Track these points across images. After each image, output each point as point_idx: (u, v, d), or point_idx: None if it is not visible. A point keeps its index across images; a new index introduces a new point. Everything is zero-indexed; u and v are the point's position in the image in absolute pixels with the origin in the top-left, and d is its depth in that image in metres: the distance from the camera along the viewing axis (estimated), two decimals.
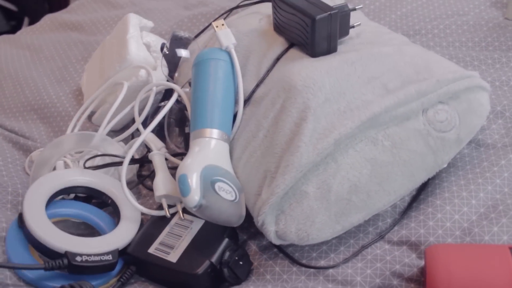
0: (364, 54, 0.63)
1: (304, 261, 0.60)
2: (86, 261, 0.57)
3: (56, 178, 0.66)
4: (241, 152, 0.62)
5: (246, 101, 0.66)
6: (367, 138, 0.58)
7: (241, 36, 0.71)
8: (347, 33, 0.67)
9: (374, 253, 0.59)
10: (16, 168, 0.77)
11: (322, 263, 0.59)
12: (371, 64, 0.62)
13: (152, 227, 0.62)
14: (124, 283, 0.60)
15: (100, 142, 0.71)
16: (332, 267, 0.58)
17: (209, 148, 0.61)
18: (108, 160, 0.71)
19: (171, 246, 0.60)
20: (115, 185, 0.68)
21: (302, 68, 0.62)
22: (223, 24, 0.69)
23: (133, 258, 0.61)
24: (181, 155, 0.72)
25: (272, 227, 0.57)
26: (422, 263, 0.57)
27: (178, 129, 0.79)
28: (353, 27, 0.67)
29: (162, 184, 0.63)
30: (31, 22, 2.20)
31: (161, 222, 0.62)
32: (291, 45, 0.68)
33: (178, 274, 0.57)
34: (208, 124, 0.62)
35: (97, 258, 0.58)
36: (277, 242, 0.58)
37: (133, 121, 0.83)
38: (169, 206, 0.63)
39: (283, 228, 0.57)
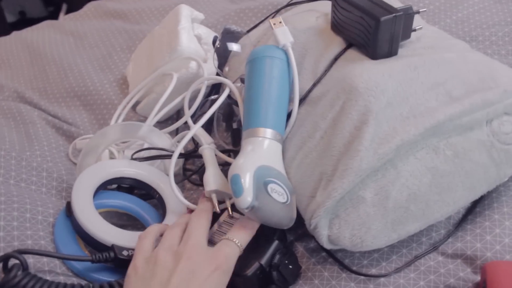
0: (427, 59, 0.61)
1: (354, 268, 0.58)
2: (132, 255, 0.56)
3: (104, 168, 0.65)
4: (295, 152, 0.61)
5: (302, 100, 0.64)
6: (428, 146, 0.56)
7: (298, 33, 0.70)
8: (409, 36, 0.65)
9: (427, 264, 0.57)
10: (60, 154, 0.77)
11: (373, 271, 0.58)
12: (434, 69, 0.60)
13: None
14: None
15: (148, 133, 0.70)
16: (384, 276, 0.57)
17: (263, 148, 0.59)
18: (155, 152, 0.70)
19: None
20: (161, 178, 0.67)
21: (364, 70, 0.60)
22: (280, 22, 0.68)
23: None
24: (229, 152, 0.70)
25: (325, 231, 0.56)
26: (477, 278, 0.55)
27: (225, 124, 0.78)
28: (414, 30, 0.65)
29: (212, 179, 0.62)
30: (69, 9, 2.21)
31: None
32: (349, 45, 0.66)
33: None
34: (262, 123, 0.61)
35: None
36: (328, 246, 0.57)
37: (178, 113, 0.83)
38: (219, 202, 0.62)
39: (336, 232, 0.55)
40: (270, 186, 0.56)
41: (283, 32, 0.67)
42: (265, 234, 0.58)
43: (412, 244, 0.59)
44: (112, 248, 0.56)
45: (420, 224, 0.56)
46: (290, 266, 0.57)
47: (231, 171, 0.57)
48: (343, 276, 0.58)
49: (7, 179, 0.66)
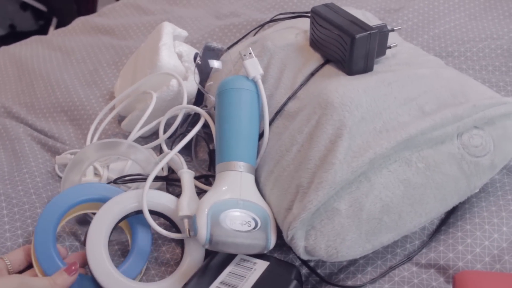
0: (400, 75, 0.64)
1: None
2: None
3: (121, 205, 0.65)
4: (273, 165, 0.63)
5: (278, 113, 0.66)
6: (401, 159, 0.58)
7: (277, 49, 0.72)
8: (384, 53, 0.67)
9: (401, 275, 0.58)
10: (46, 169, 0.78)
11: (349, 283, 0.59)
12: (407, 85, 0.62)
13: (211, 266, 0.59)
14: None
15: (129, 149, 0.71)
16: (359, 287, 0.58)
17: (232, 182, 0.61)
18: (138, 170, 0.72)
19: (233, 286, 0.56)
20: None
21: (339, 86, 0.62)
22: (250, 53, 0.69)
23: None
24: (206, 177, 0.72)
25: (301, 242, 0.57)
26: (449, 287, 0.56)
27: (206, 143, 0.80)
28: (389, 47, 0.68)
29: (187, 204, 0.63)
30: (59, 23, 2.23)
31: (222, 260, 0.60)
32: (326, 61, 0.69)
33: None
34: (233, 156, 0.63)
35: None
36: (305, 257, 0.58)
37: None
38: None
39: (312, 244, 0.57)
40: (230, 218, 0.58)
41: (252, 64, 0.68)
42: (282, 274, 0.58)
43: (387, 256, 0.61)
44: None
45: (394, 234, 0.58)
46: None
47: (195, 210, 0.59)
48: None
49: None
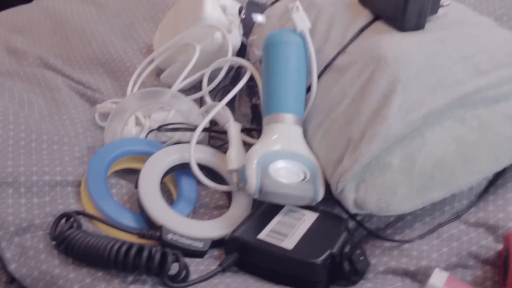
0: (454, 33, 0.63)
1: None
2: (176, 241, 0.57)
3: (176, 152, 0.65)
4: (322, 119, 0.62)
5: (327, 67, 0.66)
6: (455, 116, 0.58)
7: (325, 5, 0.71)
8: (436, 11, 0.66)
9: (450, 232, 0.58)
10: (86, 118, 0.78)
11: (397, 238, 0.59)
12: (462, 44, 0.61)
13: (259, 215, 0.59)
14: (225, 269, 0.55)
15: (173, 99, 0.71)
16: (407, 241, 0.58)
17: (280, 134, 0.61)
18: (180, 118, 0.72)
19: (284, 234, 0.56)
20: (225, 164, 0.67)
21: (393, 41, 0.61)
22: (297, 7, 0.68)
23: (239, 244, 0.56)
24: (249, 130, 0.71)
25: (351, 195, 0.57)
26: (499, 246, 0.56)
27: (248, 98, 0.79)
28: (442, 6, 0.66)
29: (235, 157, 0.63)
30: None
31: (270, 210, 0.60)
32: (376, 18, 0.67)
33: (293, 262, 0.53)
34: (281, 108, 0.63)
35: (187, 242, 0.58)
36: (353, 210, 0.58)
37: (201, 83, 0.84)
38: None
39: (362, 196, 0.57)
40: (279, 169, 0.58)
41: (300, 17, 0.67)
42: (332, 225, 0.58)
43: (435, 213, 0.61)
44: (160, 228, 0.58)
45: (444, 191, 0.58)
46: (361, 258, 0.55)
47: (243, 161, 0.59)
48: (368, 245, 0.59)
49: (39, 144, 0.67)
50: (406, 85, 0.57)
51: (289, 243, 0.55)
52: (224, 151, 0.68)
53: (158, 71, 0.88)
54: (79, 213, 0.58)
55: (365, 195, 0.57)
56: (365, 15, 0.68)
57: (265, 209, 0.61)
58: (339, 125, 0.60)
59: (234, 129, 0.66)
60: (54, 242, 0.56)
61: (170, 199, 0.68)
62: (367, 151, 0.55)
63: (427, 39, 0.61)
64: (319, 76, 0.66)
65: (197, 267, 0.56)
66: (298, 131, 0.62)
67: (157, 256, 0.51)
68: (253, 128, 0.71)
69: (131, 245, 0.52)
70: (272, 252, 0.54)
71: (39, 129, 0.69)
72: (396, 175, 0.56)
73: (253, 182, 0.57)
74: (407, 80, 0.58)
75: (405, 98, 0.57)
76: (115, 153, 0.65)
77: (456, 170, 0.57)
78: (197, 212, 0.67)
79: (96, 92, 0.87)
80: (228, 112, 0.70)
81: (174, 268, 0.53)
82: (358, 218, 0.62)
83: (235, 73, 0.80)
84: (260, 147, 0.60)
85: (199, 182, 0.68)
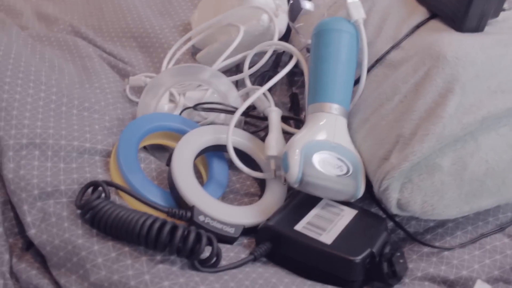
0: None
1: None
2: (207, 223, 0.54)
3: (213, 132, 0.63)
4: (370, 113, 0.60)
5: (378, 60, 0.63)
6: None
7: None
8: (498, 14, 0.63)
9: (493, 244, 0.56)
10: (117, 89, 0.76)
11: (437, 245, 0.56)
12: None
13: (295, 206, 0.57)
14: (256, 258, 0.52)
15: (213, 78, 0.68)
16: (448, 249, 0.55)
17: (326, 123, 0.58)
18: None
19: (322, 228, 0.53)
20: (262, 150, 0.64)
21: (453, 40, 0.58)
22: None
23: (273, 234, 0.53)
24: (287, 119, 0.69)
25: (395, 194, 0.54)
26: None
27: (287, 87, 0.77)
28: (504, 10, 0.64)
29: (275, 144, 0.61)
30: None
31: (306, 203, 0.57)
32: (432, 16, 0.65)
33: (330, 258, 0.50)
34: (328, 98, 0.60)
35: (219, 226, 0.55)
36: (395, 211, 0.56)
37: (237, 67, 0.81)
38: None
39: (408, 197, 0.54)
40: (323, 160, 0.55)
41: (356, 7, 0.64)
42: (372, 224, 0.55)
43: (478, 223, 0.58)
44: (191, 209, 0.55)
45: (494, 200, 0.55)
46: (401, 261, 0.53)
47: (286, 147, 0.56)
48: (405, 249, 0.57)
49: (70, 109, 0.65)
50: (465, 86, 0.54)
51: (327, 238, 0.52)
52: (259, 138, 0.66)
53: (194, 51, 0.85)
54: (108, 183, 0.55)
55: (410, 196, 0.54)
56: (421, 12, 0.65)
57: (301, 201, 0.58)
58: (388, 121, 0.58)
59: (275, 114, 0.63)
60: (79, 211, 0.53)
61: (199, 181, 0.66)
62: (418, 150, 0.53)
63: (489, 41, 0.59)
64: (369, 69, 0.63)
65: (226, 254, 0.53)
66: (343, 122, 0.59)
67: (192, 236, 0.48)
68: (291, 117, 0.68)
69: (164, 222, 0.49)
70: (309, 245, 0.51)
71: (70, 94, 0.66)
72: (445, 178, 0.54)
73: (295, 170, 0.54)
74: (466, 80, 0.55)
75: (463, 99, 0.54)
76: (149, 126, 0.63)
77: (508, 179, 0.54)
78: (227, 197, 0.64)
79: (128, 65, 0.84)
80: (269, 97, 0.67)
81: (205, 252, 0.50)
82: (397, 220, 0.60)
83: (275, 60, 0.77)
84: (304, 135, 0.57)
85: (230, 167, 0.65)
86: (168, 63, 0.81)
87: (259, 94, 0.63)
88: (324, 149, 0.56)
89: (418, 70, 0.58)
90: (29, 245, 0.56)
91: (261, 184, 0.65)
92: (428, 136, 0.53)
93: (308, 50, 0.68)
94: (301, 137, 0.57)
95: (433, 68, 0.56)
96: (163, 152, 0.68)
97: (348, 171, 0.56)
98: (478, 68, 0.56)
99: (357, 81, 0.63)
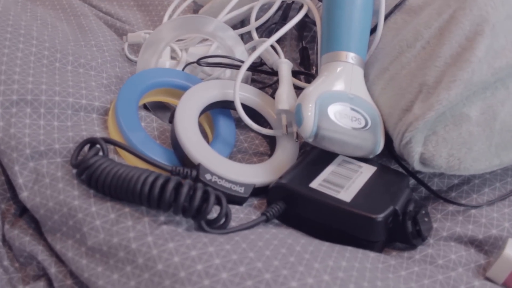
0: None
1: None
2: (215, 182, 0.50)
3: (217, 87, 0.58)
4: (389, 62, 0.55)
5: (397, 6, 0.58)
6: None
7: None
8: None
9: None
10: (115, 48, 0.71)
11: (463, 202, 0.52)
12: None
13: (308, 163, 0.52)
14: (269, 219, 0.48)
15: (219, 30, 0.63)
16: (476, 207, 0.51)
17: (341, 73, 0.54)
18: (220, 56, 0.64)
19: (339, 185, 0.49)
20: (271, 107, 0.60)
21: None
22: None
23: (287, 192, 0.49)
24: (297, 73, 0.64)
25: (418, 148, 0.50)
26: None
27: (295, 42, 0.72)
28: None
29: (286, 97, 0.56)
30: None
31: (320, 160, 0.53)
32: None
33: (350, 217, 0.46)
34: (343, 46, 0.55)
35: (227, 185, 0.50)
36: (417, 167, 0.51)
37: (242, 23, 0.76)
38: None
39: (432, 150, 0.49)
40: (339, 112, 0.51)
41: None
42: (393, 181, 0.51)
43: (507, 179, 0.54)
44: (197, 167, 0.51)
45: None
46: (426, 219, 0.49)
47: (298, 100, 0.52)
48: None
49: (64, 65, 0.60)
50: (496, 27, 0.50)
51: (346, 195, 0.48)
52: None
53: (196, 7, 0.80)
54: (106, 140, 0.50)
55: (435, 149, 0.49)
56: None
57: (315, 158, 0.53)
58: (409, 70, 0.53)
59: (286, 66, 0.58)
60: (74, 170, 0.49)
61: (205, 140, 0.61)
62: (444, 98, 0.48)
63: None
64: (387, 16, 0.58)
65: (236, 215, 0.49)
66: (360, 73, 0.55)
67: (198, 194, 0.44)
68: (302, 71, 0.63)
69: (168, 179, 0.45)
70: (326, 203, 0.47)
71: (64, 50, 0.61)
72: (473, 129, 0.49)
73: (309, 123, 0.49)
74: (496, 22, 0.50)
75: (494, 42, 0.49)
76: (149, 82, 0.58)
77: None
78: (234, 157, 0.59)
79: (126, 24, 0.79)
80: (278, 49, 0.62)
81: (213, 213, 0.46)
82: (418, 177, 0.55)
83: (283, 13, 0.72)
84: (319, 85, 0.52)
85: (237, 125, 0.61)
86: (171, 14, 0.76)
87: (268, 45, 0.58)
88: (340, 101, 0.52)
89: (442, 13, 0.53)
90: (22, 211, 0.52)
91: (271, 143, 0.61)
92: (456, 82, 0.48)
93: None
94: (315, 88, 0.52)
95: (459, 10, 0.52)
96: (164, 111, 0.63)
97: (366, 125, 0.52)
98: (510, 7, 0.51)
99: (373, 30, 0.58)
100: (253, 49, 0.67)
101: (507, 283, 0.45)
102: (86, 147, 0.51)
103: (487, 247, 0.48)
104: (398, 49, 0.54)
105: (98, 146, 0.49)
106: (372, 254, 0.45)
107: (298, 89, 0.61)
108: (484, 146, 0.49)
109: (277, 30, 0.68)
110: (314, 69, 0.68)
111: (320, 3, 0.63)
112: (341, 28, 0.55)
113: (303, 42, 0.71)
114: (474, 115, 0.49)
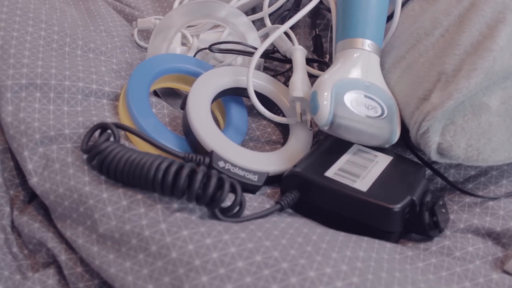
0: None
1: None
2: (228, 170, 0.49)
3: (231, 74, 0.57)
4: (406, 50, 0.54)
5: None
6: None
7: None
8: None
9: None
10: (125, 33, 0.70)
11: (480, 194, 0.51)
12: None
13: (323, 152, 0.51)
14: (283, 208, 0.47)
15: (232, 16, 0.62)
16: (494, 198, 0.50)
17: (357, 61, 0.53)
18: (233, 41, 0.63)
19: (355, 174, 0.48)
20: (285, 95, 0.59)
21: None
22: None
23: (301, 180, 0.48)
24: (311, 61, 0.63)
25: (436, 137, 0.49)
26: None
27: (308, 30, 0.71)
28: None
29: (300, 84, 0.55)
30: None
31: (335, 148, 0.52)
32: None
33: (367, 206, 0.45)
34: (359, 33, 0.54)
35: (240, 172, 0.49)
36: (434, 157, 0.50)
37: (253, 10, 0.75)
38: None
39: (450, 140, 0.48)
40: (356, 100, 0.50)
41: None
42: (409, 171, 0.50)
43: None
44: (210, 154, 0.50)
45: None
46: (443, 210, 0.48)
47: (313, 87, 0.51)
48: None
49: (73, 49, 0.59)
50: None
51: (362, 185, 0.47)
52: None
53: None
54: (118, 125, 0.49)
55: (453, 139, 0.48)
56: None
57: (329, 147, 0.52)
58: (427, 58, 0.52)
59: (300, 53, 0.57)
60: (85, 156, 0.48)
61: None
62: (464, 87, 0.47)
63: None
64: (404, 3, 0.57)
65: (249, 204, 0.48)
66: (377, 60, 0.54)
67: (213, 181, 0.43)
68: (316, 59, 0.62)
69: (181, 165, 0.44)
70: (342, 193, 0.46)
71: (74, 34, 0.60)
72: (493, 119, 0.48)
73: (325, 111, 0.48)
74: None
75: None
76: (161, 68, 0.57)
77: None
78: (247, 145, 0.58)
79: (135, 9, 0.78)
80: (292, 35, 0.61)
81: (227, 201, 0.45)
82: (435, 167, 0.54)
83: (296, 0, 0.71)
84: (334, 73, 0.51)
85: (249, 113, 0.60)
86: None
87: (281, 32, 0.57)
88: (357, 88, 0.51)
89: (462, 0, 0.52)
90: (31, 198, 0.51)
91: (284, 131, 0.60)
92: (476, 71, 0.47)
93: None
94: (330, 75, 0.51)
95: None
96: (175, 98, 0.62)
97: (382, 113, 0.51)
98: None
99: (390, 17, 0.57)
100: (266, 36, 0.66)
101: None
102: (97, 133, 0.50)
103: (505, 240, 0.47)
104: (416, 36, 0.53)
105: (109, 131, 0.48)
106: (388, 245, 0.45)
107: (311, 77, 0.60)
108: (503, 137, 0.48)
109: (290, 17, 0.67)
110: (328, 57, 0.67)
111: None
112: (357, 14, 0.54)
113: (317, 29, 0.70)
114: (494, 105, 0.48)
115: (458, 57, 0.49)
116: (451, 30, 0.51)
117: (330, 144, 0.52)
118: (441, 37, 0.52)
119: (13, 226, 0.49)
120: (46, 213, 0.49)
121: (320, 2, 0.63)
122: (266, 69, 0.68)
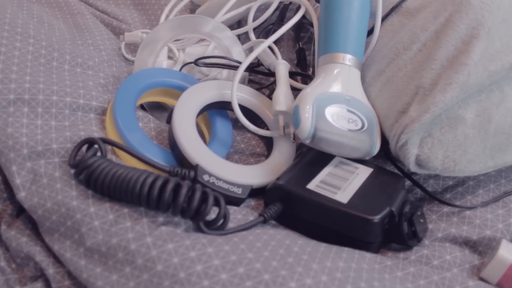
0: None
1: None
2: (212, 183, 0.50)
3: (216, 88, 0.58)
4: (385, 65, 0.55)
5: (394, 8, 0.58)
6: None
7: None
8: None
9: None
10: (112, 47, 0.71)
11: (457, 204, 0.53)
12: None
13: (305, 165, 0.53)
14: (266, 220, 0.48)
15: (216, 30, 0.63)
16: (470, 208, 0.52)
17: (338, 75, 0.54)
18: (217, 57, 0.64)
19: (336, 186, 0.50)
20: (269, 108, 0.60)
21: None
22: None
23: (284, 193, 0.49)
24: (294, 75, 0.64)
25: (414, 150, 0.50)
26: None
27: (292, 43, 0.72)
28: None
29: (284, 98, 0.56)
30: None
31: (317, 161, 0.53)
32: None
33: (347, 218, 0.46)
34: (341, 48, 0.55)
35: (225, 186, 0.51)
36: (413, 168, 0.52)
37: (239, 23, 0.77)
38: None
39: (427, 152, 0.50)
40: (336, 114, 0.51)
41: None
42: (389, 182, 0.52)
43: (501, 180, 0.54)
44: (195, 168, 0.51)
45: None
46: (421, 220, 0.49)
47: (295, 101, 0.52)
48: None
49: (61, 64, 0.60)
50: (491, 31, 0.50)
51: (342, 197, 0.48)
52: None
53: (193, 7, 0.80)
54: (105, 140, 0.50)
55: (430, 151, 0.50)
56: None
57: (312, 159, 0.54)
58: (406, 72, 0.53)
59: (283, 67, 0.59)
60: (72, 171, 0.49)
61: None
62: (440, 100, 0.48)
63: None
64: (384, 18, 0.59)
65: (233, 216, 0.49)
66: (357, 74, 0.55)
67: (197, 195, 0.44)
68: (299, 72, 0.63)
69: (167, 180, 0.45)
70: (323, 205, 0.47)
71: (61, 48, 0.61)
72: (469, 131, 0.50)
73: (307, 124, 0.50)
74: (492, 26, 0.50)
75: (489, 45, 0.50)
76: (147, 82, 0.58)
77: None
78: (231, 158, 0.60)
79: (123, 23, 0.79)
80: (276, 50, 0.62)
81: (211, 214, 0.47)
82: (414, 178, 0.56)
83: (280, 14, 0.72)
84: (316, 87, 0.53)
85: (234, 126, 0.61)
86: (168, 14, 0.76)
87: (265, 46, 0.58)
88: (337, 102, 0.52)
89: (438, 16, 0.53)
90: (19, 212, 0.52)
91: (268, 144, 0.61)
92: (451, 85, 0.49)
93: (317, 0, 0.64)
94: (312, 89, 0.52)
95: (456, 14, 0.52)
96: (161, 111, 0.63)
97: (363, 126, 0.52)
98: (505, 12, 0.51)
99: (370, 32, 0.59)
100: (250, 49, 0.67)
101: (501, 283, 0.45)
102: (84, 147, 0.51)
103: (481, 248, 0.49)
104: (395, 51, 0.55)
105: (96, 146, 0.49)
106: (368, 255, 0.46)
107: (295, 90, 0.61)
108: (479, 149, 0.50)
109: (274, 31, 0.68)
110: (311, 70, 0.68)
111: (318, 4, 0.63)
112: (338, 29, 0.56)
113: (300, 43, 0.71)
114: (470, 118, 0.50)
115: (435, 72, 0.51)
116: (428, 45, 0.53)
117: (312, 157, 0.54)
118: (419, 51, 0.53)
119: (1, 240, 0.50)
120: (34, 227, 0.50)
121: (303, 17, 0.65)
122: (251, 82, 0.70)
